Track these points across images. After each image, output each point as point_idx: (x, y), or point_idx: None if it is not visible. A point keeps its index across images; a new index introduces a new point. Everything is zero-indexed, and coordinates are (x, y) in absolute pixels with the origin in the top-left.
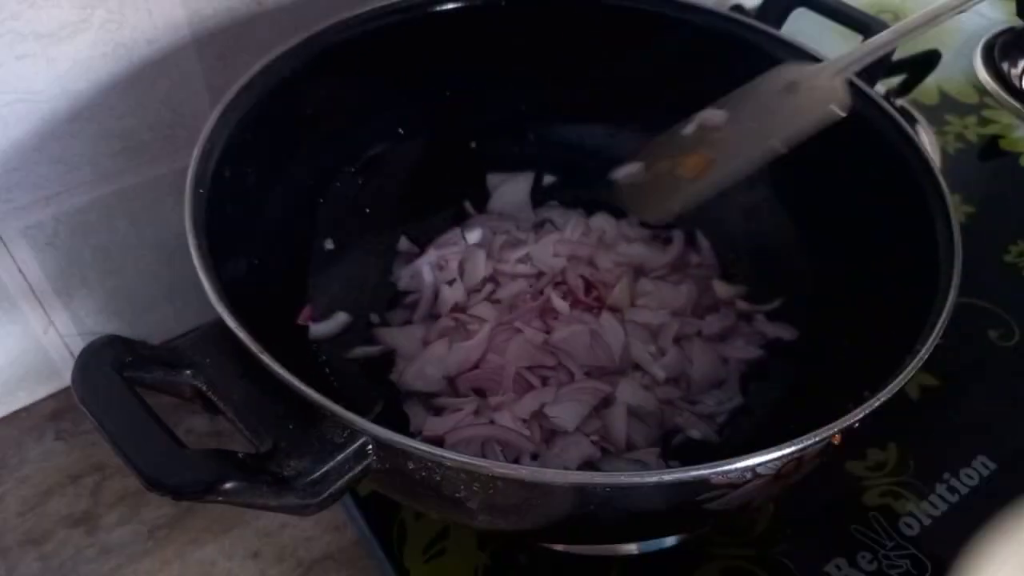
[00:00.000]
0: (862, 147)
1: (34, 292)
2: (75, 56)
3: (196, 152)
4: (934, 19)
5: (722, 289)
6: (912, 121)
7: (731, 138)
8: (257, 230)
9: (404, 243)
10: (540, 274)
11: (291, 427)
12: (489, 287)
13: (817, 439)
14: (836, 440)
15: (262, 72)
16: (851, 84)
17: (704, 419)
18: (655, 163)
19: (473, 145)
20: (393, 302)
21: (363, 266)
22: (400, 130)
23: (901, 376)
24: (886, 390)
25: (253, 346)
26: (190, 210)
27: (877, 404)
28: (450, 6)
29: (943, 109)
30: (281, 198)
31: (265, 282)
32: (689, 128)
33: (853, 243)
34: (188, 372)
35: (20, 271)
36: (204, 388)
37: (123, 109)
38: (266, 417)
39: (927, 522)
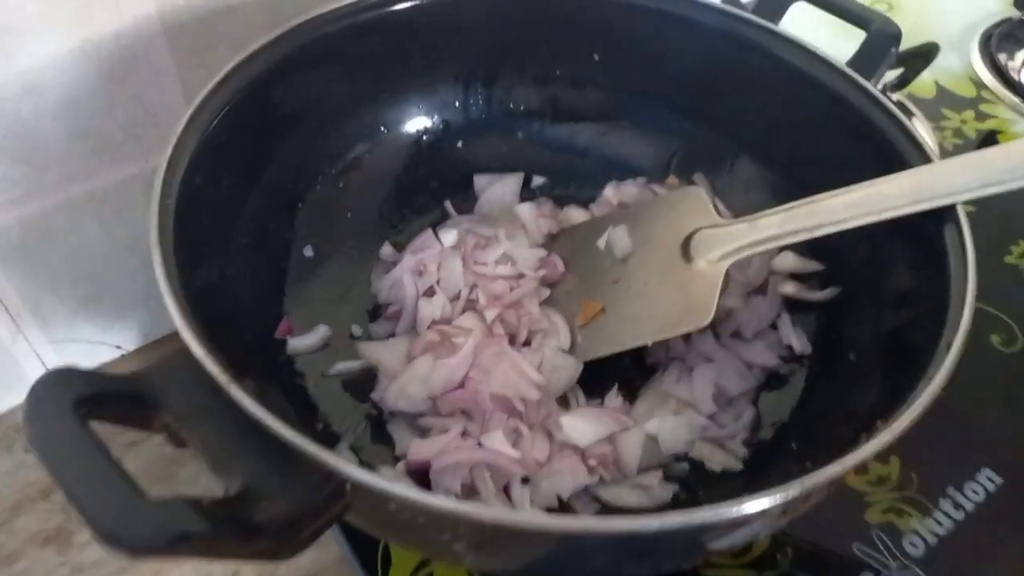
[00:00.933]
0: (862, 145)
1: (1, 300)
2: (39, 51)
3: (163, 162)
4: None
5: (787, 260)
6: (909, 116)
7: (621, 294)
8: (232, 238)
9: (387, 250)
10: (521, 276)
11: (264, 465)
12: (469, 293)
13: (827, 477)
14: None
15: (234, 71)
16: (852, 82)
17: (722, 443)
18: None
19: (460, 145)
20: (376, 312)
21: (345, 274)
22: (383, 129)
23: (916, 404)
24: (899, 419)
25: (221, 377)
26: (156, 226)
27: (891, 439)
28: None
29: (940, 103)
30: (258, 204)
31: (241, 293)
32: (602, 241)
33: (858, 249)
34: (153, 403)
35: None
36: (171, 421)
37: (92, 107)
38: (237, 453)
39: (932, 541)
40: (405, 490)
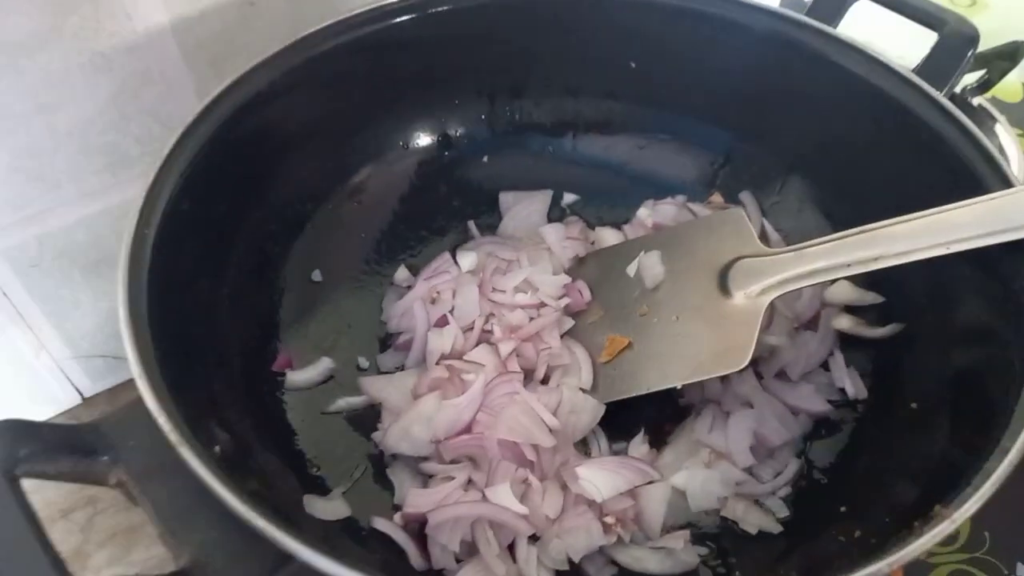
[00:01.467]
0: (931, 164)
1: (21, 315)
2: (47, 67)
3: (143, 189)
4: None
5: (842, 291)
6: (992, 122)
7: (651, 328)
8: (228, 264)
9: (402, 274)
10: (542, 304)
11: (216, 537)
12: (485, 323)
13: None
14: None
15: (233, 87)
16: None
17: (760, 501)
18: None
19: (485, 160)
20: (387, 343)
21: (355, 300)
22: (402, 144)
23: (993, 477)
24: (963, 509)
25: (172, 435)
26: (126, 257)
27: (952, 528)
28: (457, 4)
29: None
30: (258, 226)
31: (235, 323)
32: (632, 268)
33: (924, 281)
34: (106, 458)
35: (4, 294)
36: (124, 478)
37: (105, 123)
38: (190, 521)
39: None
40: None
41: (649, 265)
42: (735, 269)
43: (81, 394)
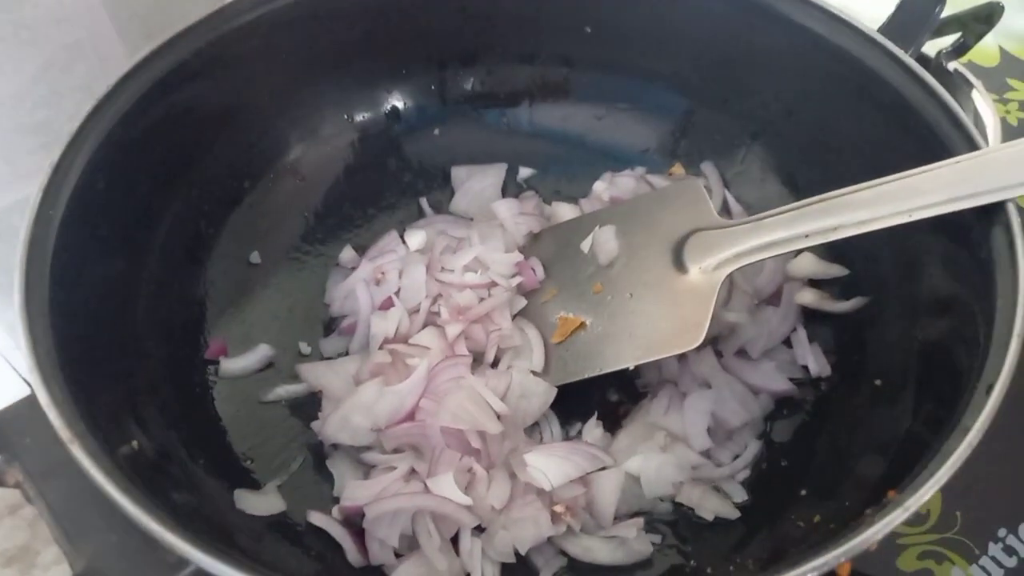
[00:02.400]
0: (897, 128)
1: None
2: None
3: (48, 167)
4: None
5: (805, 264)
6: (967, 86)
7: (604, 307)
8: (151, 246)
9: (347, 254)
10: (493, 284)
11: (115, 540)
12: (432, 304)
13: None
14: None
15: (153, 56)
16: (885, 52)
17: (717, 485)
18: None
19: (436, 133)
20: (331, 327)
21: (297, 283)
22: (346, 116)
23: (953, 456)
24: (918, 495)
25: (64, 432)
26: (26, 241)
27: (906, 516)
28: None
29: (1005, 72)
30: (188, 205)
31: (160, 307)
32: (586, 244)
33: (889, 252)
34: (1, 457)
35: None
36: (21, 478)
37: (35, 99)
38: (87, 525)
39: None
40: None
41: (603, 240)
42: (690, 242)
43: (29, 385)
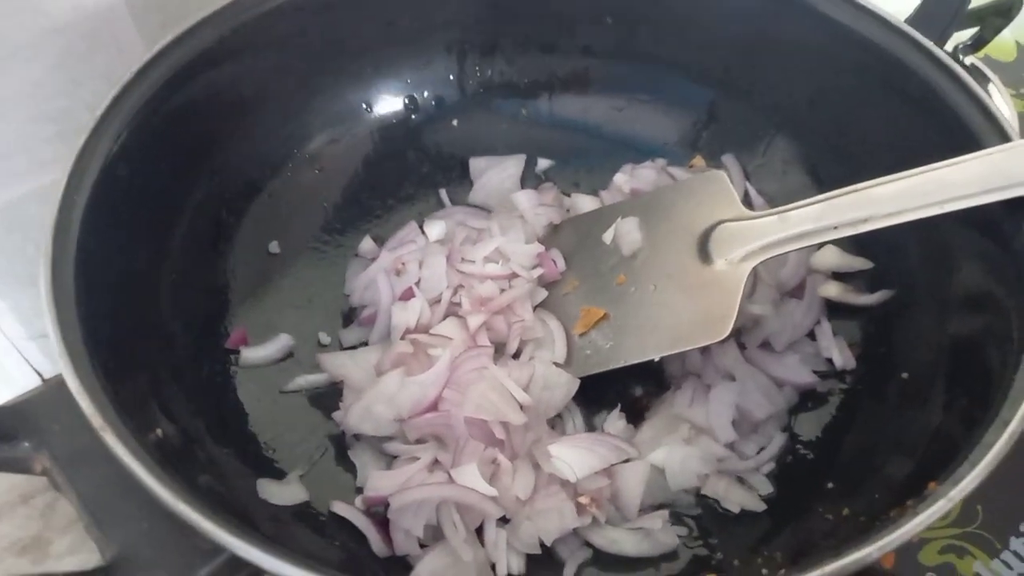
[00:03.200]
0: (924, 119)
1: None
2: None
3: (73, 153)
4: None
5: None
6: (984, 82)
7: (628, 298)
8: (174, 233)
9: (367, 244)
10: (514, 275)
11: (146, 527)
12: (453, 295)
13: (865, 557)
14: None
15: (175, 44)
16: (912, 42)
17: (742, 478)
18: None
19: (455, 123)
20: (351, 317)
21: (316, 273)
22: (365, 107)
23: (983, 463)
24: (960, 485)
25: (96, 420)
26: (52, 225)
27: (950, 506)
28: None
29: (1021, 67)
30: (209, 194)
31: (183, 297)
32: (608, 235)
33: (917, 244)
34: (27, 444)
35: None
36: (49, 465)
37: (54, 88)
38: (117, 512)
39: None
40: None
41: (626, 232)
42: (716, 234)
43: (40, 375)
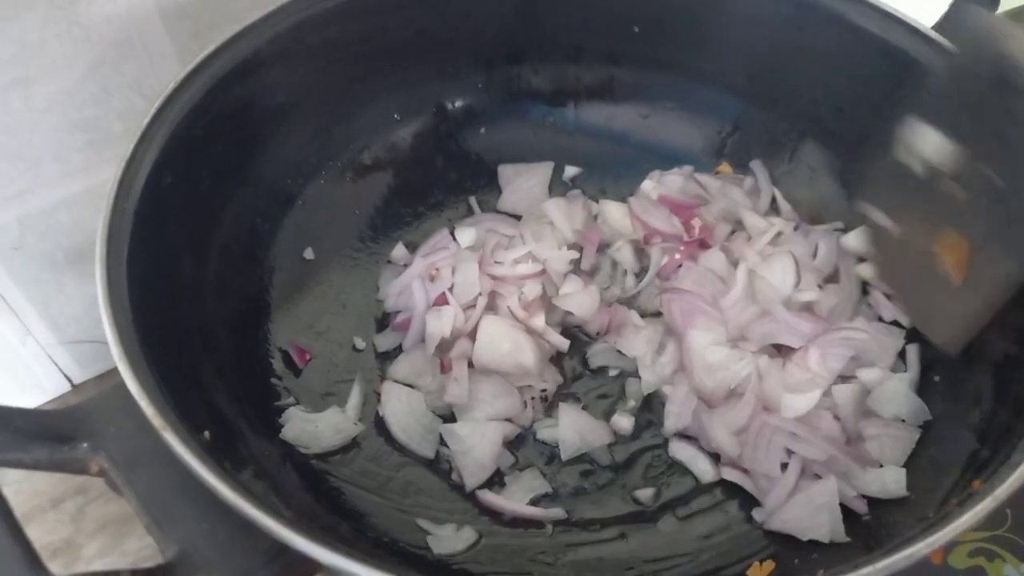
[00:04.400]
0: None
1: (5, 301)
2: (22, 38)
3: (121, 161)
4: None
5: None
6: None
7: (975, 200)
8: (214, 241)
9: (399, 251)
10: (543, 272)
11: (205, 527)
12: (486, 302)
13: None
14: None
15: (215, 55)
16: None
17: None
18: (901, 219)
19: (483, 131)
20: (383, 322)
21: (350, 279)
22: (396, 116)
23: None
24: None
25: (157, 420)
26: (104, 236)
27: (995, 506)
28: None
29: None
30: (246, 202)
31: (223, 303)
32: (915, 163)
33: None
34: (86, 445)
35: None
36: (106, 466)
37: (85, 97)
38: (176, 512)
39: None
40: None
41: (935, 145)
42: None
43: (70, 381)
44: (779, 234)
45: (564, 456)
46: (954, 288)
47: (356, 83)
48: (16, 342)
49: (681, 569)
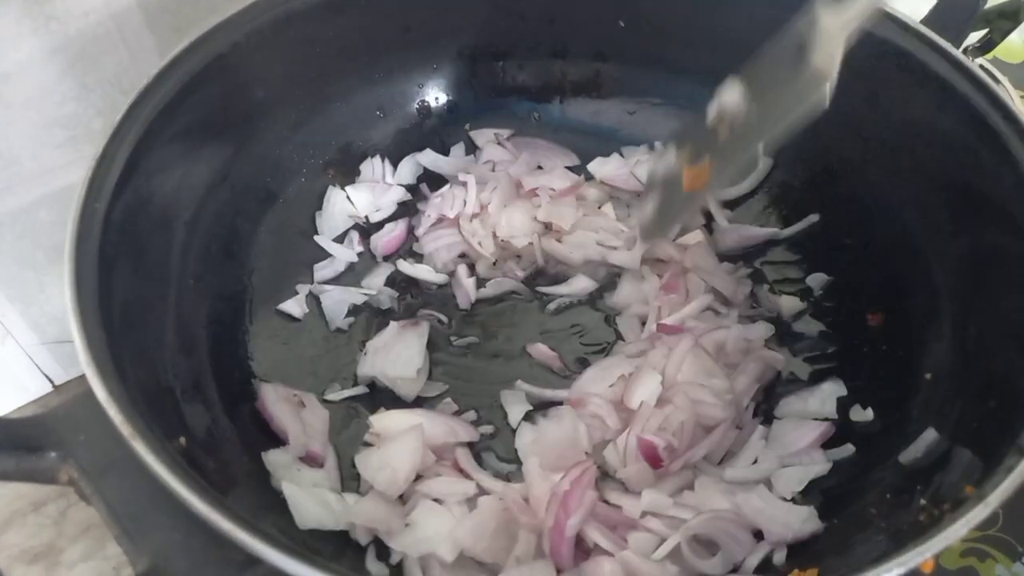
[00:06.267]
0: (941, 116)
1: None
2: None
3: (92, 160)
4: None
5: None
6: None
7: (737, 131)
8: (192, 242)
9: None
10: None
11: (177, 538)
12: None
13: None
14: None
15: (190, 50)
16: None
17: None
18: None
19: (467, 127)
20: None
21: None
22: (378, 112)
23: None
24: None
25: (126, 428)
26: (73, 235)
27: (988, 512)
28: None
29: None
30: (225, 202)
31: (201, 304)
32: (711, 114)
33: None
34: (54, 455)
35: None
36: (76, 475)
37: (64, 93)
38: (148, 522)
39: None
40: None
41: (728, 96)
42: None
43: (52, 382)
44: None
45: None
46: (682, 198)
47: (337, 78)
48: None
49: None
